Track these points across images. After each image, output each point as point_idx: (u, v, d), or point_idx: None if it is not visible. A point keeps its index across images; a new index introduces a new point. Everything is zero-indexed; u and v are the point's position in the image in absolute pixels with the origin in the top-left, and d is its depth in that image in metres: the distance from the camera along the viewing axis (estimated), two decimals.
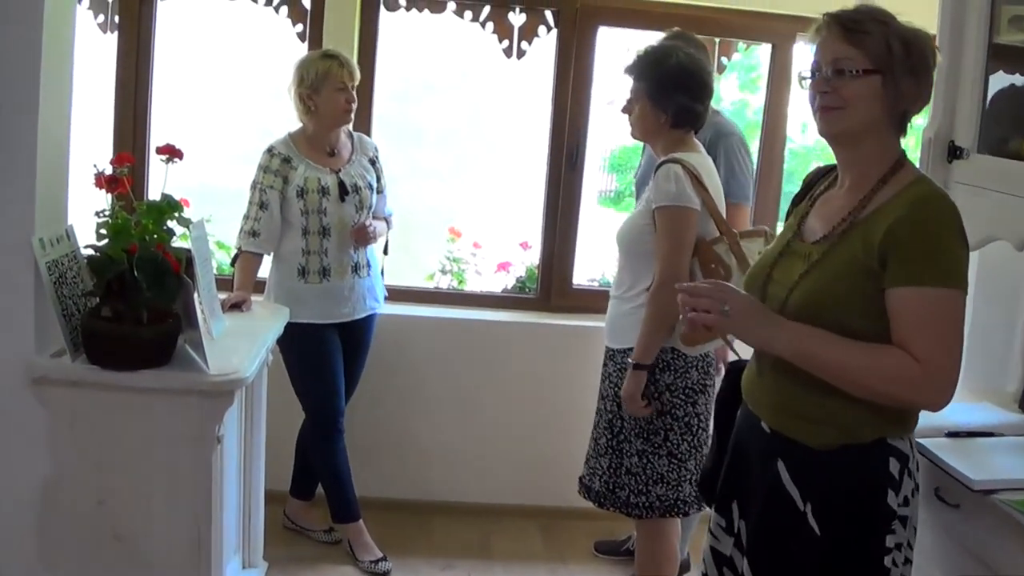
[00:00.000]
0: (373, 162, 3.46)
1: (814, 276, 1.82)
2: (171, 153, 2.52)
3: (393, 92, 5.08)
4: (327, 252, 3.33)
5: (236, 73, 5.68)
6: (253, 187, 3.34)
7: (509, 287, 4.43)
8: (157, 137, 4.03)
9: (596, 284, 4.46)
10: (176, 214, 2.44)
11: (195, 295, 2.48)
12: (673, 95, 2.76)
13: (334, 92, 3.24)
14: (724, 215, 2.79)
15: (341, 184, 3.29)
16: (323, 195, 3.25)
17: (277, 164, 3.27)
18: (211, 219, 3.56)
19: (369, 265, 3.44)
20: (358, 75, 3.33)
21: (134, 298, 2.36)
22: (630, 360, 2.73)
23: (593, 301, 4.08)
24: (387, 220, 3.59)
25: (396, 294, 4.06)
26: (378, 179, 3.48)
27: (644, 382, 2.71)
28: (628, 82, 2.85)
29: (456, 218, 5.14)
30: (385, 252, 3.62)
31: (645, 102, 2.80)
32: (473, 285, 4.44)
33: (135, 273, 2.32)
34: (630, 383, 2.72)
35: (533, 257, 4.44)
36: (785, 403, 1.85)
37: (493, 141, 6.23)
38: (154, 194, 3.61)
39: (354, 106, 3.31)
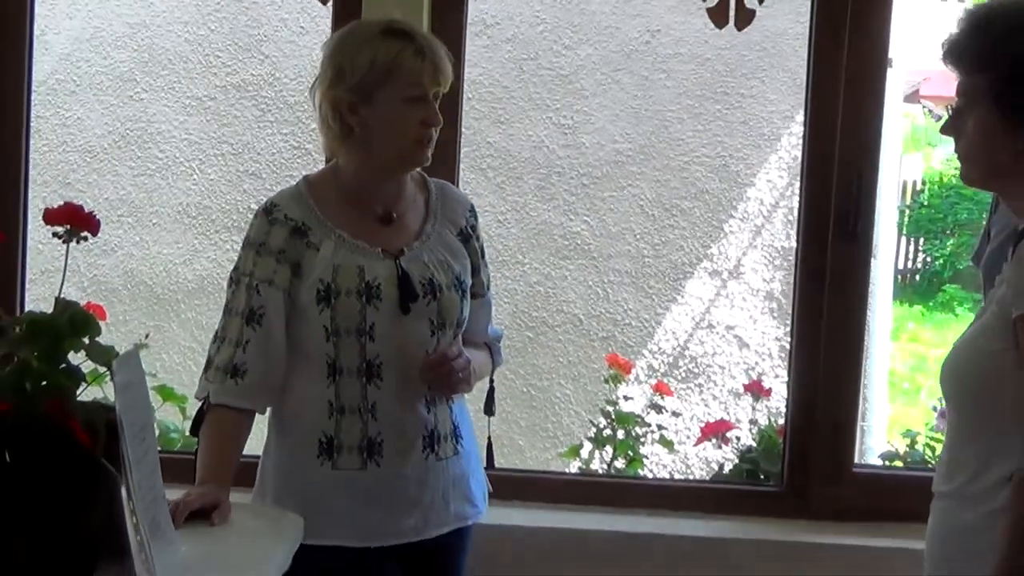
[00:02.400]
0: (466, 236, 3.32)
1: None
2: (75, 222, 2.55)
3: (494, 101, 5.92)
4: (376, 410, 3.16)
5: (195, 72, 6.28)
6: (233, 283, 3.22)
7: (726, 470, 4.54)
8: (46, 192, 4.48)
9: (902, 465, 4.66)
10: (85, 340, 2.43)
11: (123, 495, 2.46)
12: None
13: (402, 104, 3.07)
14: None
15: (404, 280, 3.17)
16: (369, 300, 3.16)
17: (282, 238, 3.20)
18: (148, 344, 3.74)
19: (459, 435, 3.28)
20: (449, 73, 3.15)
21: (5, 506, 2.32)
22: None
23: (898, 498, 3.96)
24: (491, 347, 3.43)
25: (505, 486, 3.90)
26: (475, 270, 3.32)
27: None
28: (955, 75, 2.77)
29: (620, 335, 5.62)
30: (489, 411, 3.52)
31: (989, 112, 2.67)
32: (655, 466, 4.69)
33: (6, 458, 2.33)
34: None
35: (774, 412, 4.69)
36: None
37: (685, 186, 6.42)
38: (40, 299, 3.67)
39: (436, 133, 3.13)
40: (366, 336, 3.20)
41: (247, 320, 3.23)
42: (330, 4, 3.90)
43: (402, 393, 3.24)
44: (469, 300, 3.34)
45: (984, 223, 3.81)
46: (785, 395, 4.14)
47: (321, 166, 3.47)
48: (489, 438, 3.55)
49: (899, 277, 6.79)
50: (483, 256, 3.45)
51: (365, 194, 3.27)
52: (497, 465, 3.80)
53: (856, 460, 4.18)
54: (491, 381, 3.52)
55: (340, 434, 3.24)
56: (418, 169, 3.37)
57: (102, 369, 2.46)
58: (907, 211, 12.92)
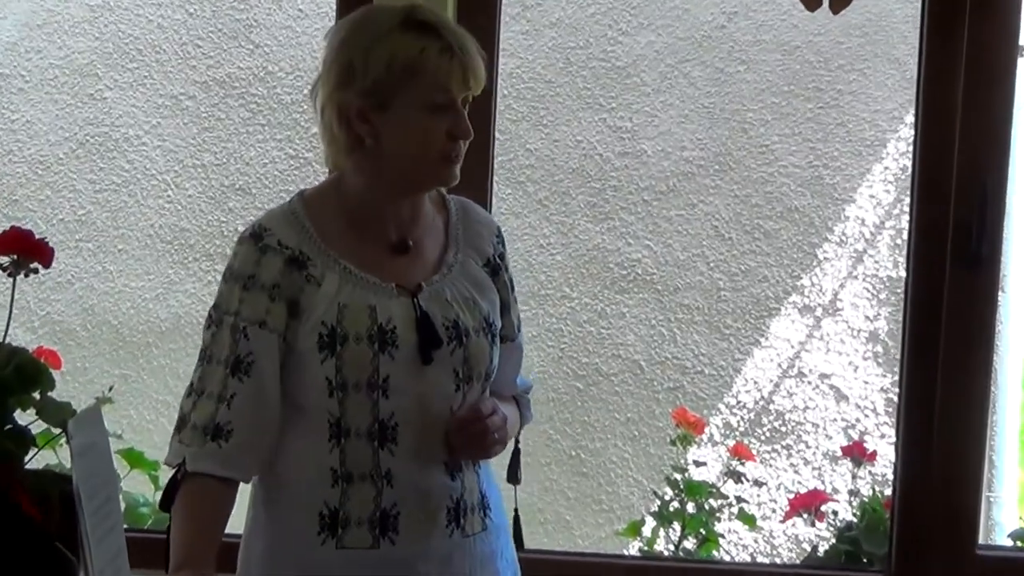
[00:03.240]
0: (495, 267, 3.35)
1: None
2: (23, 251, 2.65)
3: (535, 99, 5.98)
4: (392, 477, 3.15)
5: (170, 65, 6.38)
6: (214, 324, 3.21)
7: (821, 552, 4.54)
8: None
9: None
10: (35, 395, 2.53)
11: None
12: None
13: (424, 112, 3.08)
14: None
15: (424, 321, 3.15)
16: (383, 347, 3.14)
17: (276, 271, 3.17)
18: (113, 399, 3.83)
19: (487, 506, 3.25)
20: (482, 75, 3.18)
21: None
22: None
23: None
24: (519, 401, 3.43)
25: (548, 570, 4.05)
26: (505, 308, 3.34)
27: None
28: None
29: (691, 386, 5.79)
30: (514, 478, 3.50)
31: None
32: (734, 547, 4.78)
33: None
34: None
35: (879, 480, 4.80)
36: None
37: (769, 202, 6.42)
38: None
39: (464, 147, 3.15)
40: (379, 391, 3.19)
41: (232, 370, 3.20)
42: None
43: (422, 458, 3.23)
44: (498, 346, 3.36)
45: None
46: (892, 459, 4.20)
47: (326, 178, 3.42)
48: (516, 511, 3.51)
49: None
50: (513, 291, 3.44)
51: (375, 217, 3.27)
52: (536, 546, 3.80)
53: (981, 540, 4.26)
54: (516, 442, 3.48)
55: (346, 505, 3.20)
56: (442, 188, 3.38)
57: (56, 430, 2.47)
58: None
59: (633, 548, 4.86)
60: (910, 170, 4.18)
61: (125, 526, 2.93)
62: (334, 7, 4.02)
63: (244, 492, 3.32)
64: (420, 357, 3.16)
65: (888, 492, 4.31)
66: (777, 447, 6.17)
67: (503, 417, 3.25)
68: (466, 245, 3.33)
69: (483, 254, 3.35)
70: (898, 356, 4.32)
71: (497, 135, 4.56)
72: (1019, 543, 4.67)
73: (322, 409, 3.19)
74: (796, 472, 6.04)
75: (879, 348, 6.15)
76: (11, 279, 2.55)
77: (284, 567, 3.22)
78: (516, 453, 3.49)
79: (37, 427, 2.60)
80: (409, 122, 3.13)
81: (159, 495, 3.45)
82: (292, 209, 3.27)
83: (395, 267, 3.23)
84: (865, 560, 4.36)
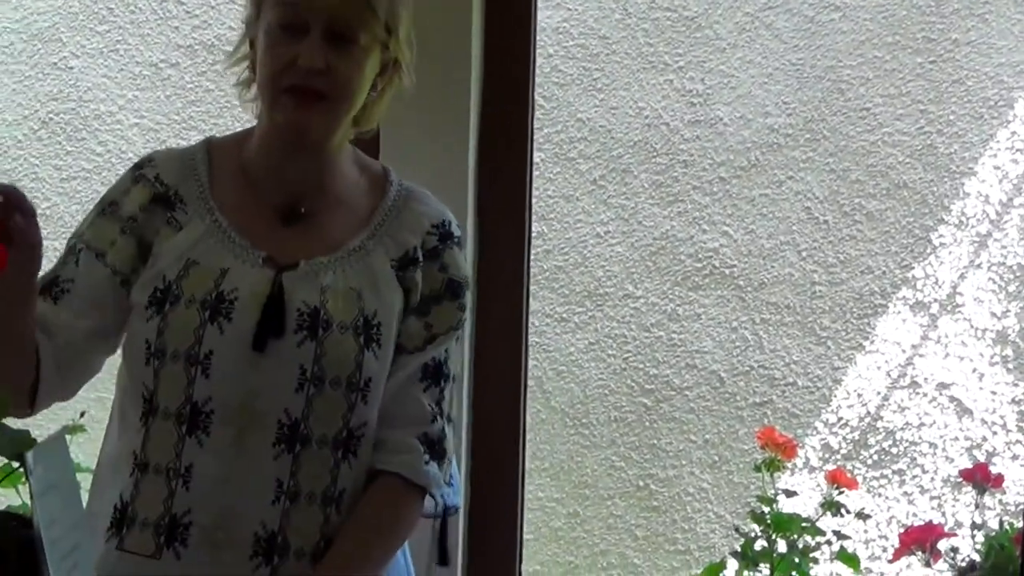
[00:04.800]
0: (408, 261, 3.40)
1: None
2: None
3: (587, 59, 6.16)
4: (191, 476, 3.29)
5: (147, 28, 6.49)
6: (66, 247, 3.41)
7: None
8: None
9: None
10: None
11: None
12: None
13: (275, 34, 3.25)
14: None
15: (273, 301, 3.27)
16: (214, 317, 3.26)
17: (138, 204, 3.31)
18: (84, 426, 4.11)
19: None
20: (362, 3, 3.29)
21: None
22: None
23: None
24: (434, 496, 3.49)
25: None
26: (410, 311, 3.42)
27: None
28: None
29: (781, 400, 5.99)
30: (443, 559, 3.67)
31: None
32: None
33: None
34: None
35: (1011, 510, 4.99)
36: None
37: (872, 178, 6.46)
38: None
39: (323, 84, 3.25)
40: (198, 367, 3.26)
41: (43, 289, 3.28)
42: None
43: (234, 462, 3.26)
44: (386, 352, 3.36)
45: None
46: None
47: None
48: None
49: None
50: (445, 298, 3.43)
51: (265, 175, 3.38)
52: None
53: None
54: (442, 511, 3.52)
55: (136, 501, 3.29)
56: (382, 165, 3.49)
57: (15, 464, 2.46)
58: None
59: None
60: None
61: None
62: None
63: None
64: (254, 343, 3.23)
65: (1020, 524, 4.34)
66: (886, 472, 6.16)
67: None
68: (384, 234, 3.39)
69: (402, 246, 3.38)
70: None
71: (541, 102, 4.54)
72: None
73: (138, 379, 3.28)
74: (910, 502, 6.05)
75: (1009, 351, 6.12)
76: None
77: (88, 562, 3.11)
78: (442, 530, 3.59)
79: None
80: (262, 46, 3.26)
81: None
82: (192, 150, 3.41)
83: (279, 237, 3.33)
84: None
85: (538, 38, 4.04)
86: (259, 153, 3.37)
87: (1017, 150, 6.08)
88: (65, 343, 3.34)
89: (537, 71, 4.11)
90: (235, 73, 3.43)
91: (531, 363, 4.06)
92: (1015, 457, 5.39)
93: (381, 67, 3.29)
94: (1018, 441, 5.60)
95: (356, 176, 3.44)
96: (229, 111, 6.32)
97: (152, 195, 3.32)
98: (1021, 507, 4.33)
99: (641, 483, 6.21)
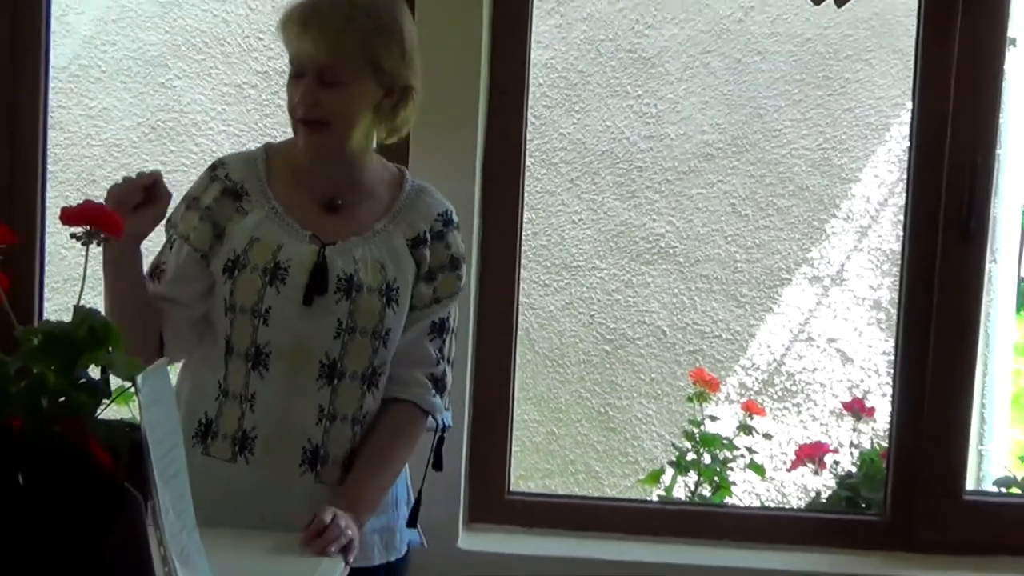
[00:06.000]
0: (419, 241, 3.38)
1: None
2: (94, 223, 2.52)
3: (567, 87, 5.99)
4: (254, 401, 3.28)
5: (234, 56, 6.42)
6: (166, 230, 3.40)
7: (824, 498, 4.52)
8: (68, 191, 4.60)
9: (1021, 492, 4.67)
10: (107, 352, 2.36)
11: (147, 521, 2.43)
12: None
13: (290, 80, 3.26)
14: None
15: (319, 269, 3.27)
16: (272, 280, 3.27)
17: (212, 197, 3.31)
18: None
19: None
20: (334, 46, 3.22)
21: (17, 532, 2.28)
22: None
23: (1017, 529, 3.99)
24: (422, 405, 3.42)
25: (580, 515, 4.03)
26: (423, 279, 3.37)
27: None
28: None
29: (709, 349, 5.87)
30: (438, 465, 3.54)
31: None
32: (745, 494, 4.79)
33: (18, 480, 2.28)
34: None
35: (879, 433, 4.72)
36: None
37: (782, 182, 6.43)
38: (64, 309, 3.27)
39: (313, 114, 3.23)
40: (260, 318, 3.28)
41: (150, 274, 3.32)
42: None
43: (288, 391, 3.30)
44: (402, 310, 3.37)
45: None
46: (892, 413, 4.14)
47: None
48: (419, 493, 3.55)
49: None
50: (447, 269, 3.46)
51: (310, 175, 3.36)
52: (574, 492, 3.77)
53: (970, 487, 4.21)
54: (440, 429, 3.51)
55: (219, 419, 3.32)
56: (400, 167, 3.46)
57: (127, 385, 2.44)
58: None
59: (655, 495, 4.84)
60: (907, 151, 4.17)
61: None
62: None
63: None
64: (304, 299, 3.24)
65: (886, 444, 4.31)
66: (787, 404, 6.16)
67: (342, 531, 3.20)
68: (401, 220, 3.38)
69: (415, 229, 3.38)
70: None
71: (533, 120, 4.53)
72: (1003, 490, 4.67)
73: (220, 327, 3.28)
74: (805, 427, 6.03)
75: (882, 315, 6.11)
76: (84, 248, 2.49)
77: (182, 460, 3.03)
78: (439, 441, 3.49)
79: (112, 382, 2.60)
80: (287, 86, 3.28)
81: None
82: (254, 153, 3.38)
83: (322, 222, 3.31)
84: (863, 505, 4.37)
85: (531, 72, 4.00)
86: (302, 160, 3.35)
87: (891, 162, 6.06)
88: (172, 310, 3.35)
89: (529, 96, 4.05)
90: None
91: (520, 318, 4.03)
92: (884, 395, 5.31)
93: (386, 90, 3.26)
94: (887, 383, 5.49)
95: (380, 176, 3.43)
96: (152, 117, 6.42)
97: (223, 189, 3.34)
98: (887, 431, 4.32)
99: (602, 410, 6.20)
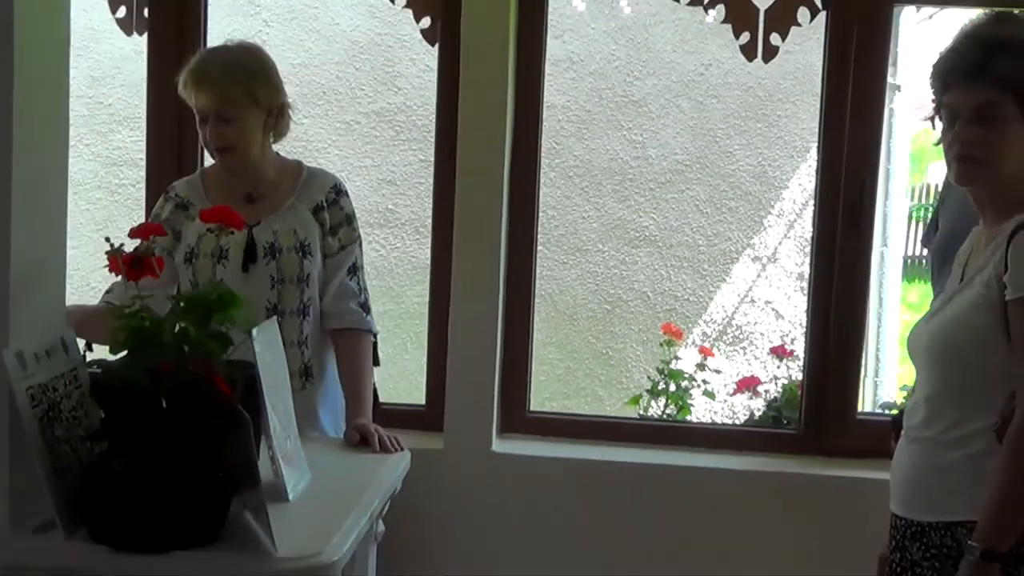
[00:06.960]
0: (320, 208, 3.30)
1: None
2: (223, 220, 2.55)
3: (579, 122, 5.84)
4: None
5: (344, 102, 6.20)
6: None
7: (757, 416, 4.55)
8: None
9: (897, 413, 4.06)
10: (232, 312, 2.42)
11: (260, 436, 2.47)
12: None
13: (199, 124, 3.23)
14: None
15: (249, 245, 3.20)
16: (219, 260, 3.20)
17: (168, 211, 3.29)
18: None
19: (309, 375, 3.28)
20: (226, 95, 3.17)
21: (163, 444, 2.32)
22: (972, 543, 2.48)
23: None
24: (351, 317, 3.32)
25: (586, 429, 3.95)
26: (329, 231, 3.30)
27: None
28: (974, 92, 2.48)
29: (680, 308, 5.65)
30: (376, 362, 3.43)
31: (1020, 125, 2.47)
32: (701, 413, 4.69)
33: (165, 406, 2.31)
34: None
35: (794, 370, 4.72)
36: None
37: (732, 188, 6.35)
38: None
39: (231, 143, 3.20)
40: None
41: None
42: (437, 46, 3.83)
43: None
44: (316, 259, 3.30)
45: (932, 214, 3.68)
46: (805, 355, 4.06)
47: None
48: (374, 387, 3.44)
49: (908, 261, 6.67)
50: (344, 225, 3.37)
51: (231, 182, 3.29)
52: (584, 411, 3.66)
53: (861, 409, 4.12)
54: (374, 336, 3.43)
55: None
56: (297, 160, 3.36)
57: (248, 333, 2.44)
58: (931, 208, 12.76)
59: (632, 413, 4.83)
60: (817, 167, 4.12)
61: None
62: (436, 63, 3.90)
63: None
64: (243, 267, 3.19)
65: (801, 378, 4.18)
66: (736, 348, 6.12)
67: (381, 432, 3.16)
68: (304, 196, 3.31)
69: (314, 200, 3.31)
70: None
71: (554, 145, 4.48)
72: (885, 411, 4.66)
73: None
74: (749, 365, 5.99)
75: (804, 284, 5.94)
76: (216, 237, 2.57)
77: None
78: (374, 346, 3.37)
79: (235, 336, 2.53)
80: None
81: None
82: (194, 176, 3.36)
83: (246, 211, 3.21)
84: (785, 422, 4.38)
85: (544, 111, 3.95)
86: (224, 175, 3.31)
87: (810, 175, 5.99)
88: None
89: (549, 129, 4.01)
90: None
91: (544, 287, 3.96)
92: (803, 343, 5.35)
93: (267, 113, 3.21)
94: (803, 333, 5.52)
95: (281, 168, 3.37)
96: (386, 148, 6.33)
97: (176, 204, 3.33)
98: (802, 368, 4.29)
99: (604, 351, 6.17)
